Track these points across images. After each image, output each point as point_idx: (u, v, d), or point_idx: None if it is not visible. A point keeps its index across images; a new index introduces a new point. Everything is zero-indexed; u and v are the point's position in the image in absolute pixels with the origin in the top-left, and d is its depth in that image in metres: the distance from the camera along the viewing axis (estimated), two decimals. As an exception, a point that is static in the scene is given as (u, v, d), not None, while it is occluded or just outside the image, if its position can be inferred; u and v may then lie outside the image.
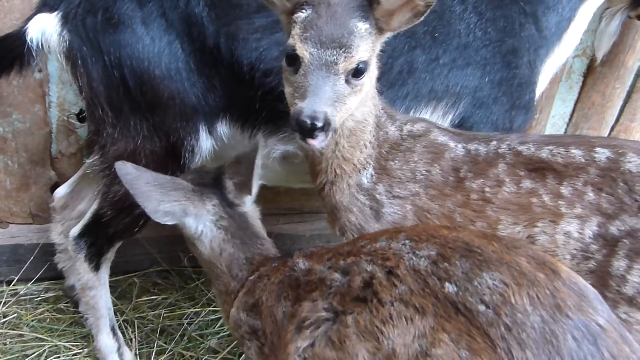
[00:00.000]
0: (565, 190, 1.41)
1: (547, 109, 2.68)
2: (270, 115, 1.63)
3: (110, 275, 2.50)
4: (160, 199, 1.41)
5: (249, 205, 1.57)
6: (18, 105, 2.19)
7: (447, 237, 1.11)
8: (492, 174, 1.47)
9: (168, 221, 1.44)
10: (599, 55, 2.26)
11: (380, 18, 1.33)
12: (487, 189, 1.46)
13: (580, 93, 2.70)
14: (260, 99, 1.52)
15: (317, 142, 1.26)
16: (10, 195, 2.40)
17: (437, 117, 1.84)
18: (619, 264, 1.36)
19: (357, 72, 1.30)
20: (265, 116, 1.56)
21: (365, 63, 1.31)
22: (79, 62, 1.66)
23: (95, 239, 1.94)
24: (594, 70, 2.63)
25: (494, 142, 1.51)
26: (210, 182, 1.54)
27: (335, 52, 1.25)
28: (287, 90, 1.34)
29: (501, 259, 1.03)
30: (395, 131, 1.55)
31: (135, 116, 1.68)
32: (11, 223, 2.47)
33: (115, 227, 1.90)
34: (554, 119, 2.75)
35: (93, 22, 1.61)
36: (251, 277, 1.47)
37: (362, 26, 1.29)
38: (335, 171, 1.55)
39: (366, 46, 1.30)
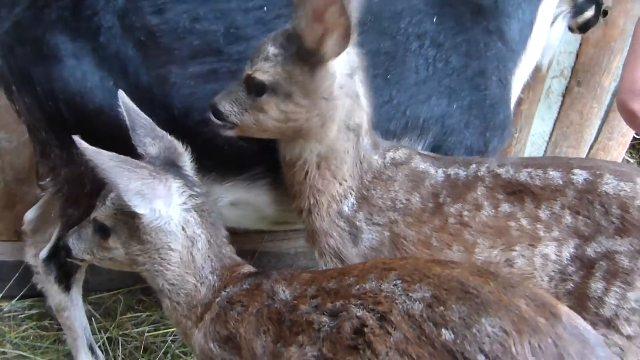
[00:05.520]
0: (543, 214, 1.42)
1: (527, 127, 2.73)
2: (213, 164, 1.58)
3: (95, 293, 2.54)
4: (128, 175, 1.20)
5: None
6: (5, 125, 2.21)
7: (440, 276, 1.04)
8: (471, 198, 1.48)
9: (138, 205, 1.22)
10: (544, 62, 2.23)
11: (312, 48, 1.33)
12: (465, 213, 1.47)
13: (559, 112, 2.75)
14: (201, 147, 1.46)
15: (218, 127, 1.47)
16: (-5, 213, 2.43)
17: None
18: (596, 286, 1.37)
19: (258, 90, 1.40)
20: (208, 164, 1.52)
21: (266, 86, 1.38)
22: (13, 88, 1.62)
23: (63, 261, 1.93)
24: (571, 91, 2.69)
25: (474, 166, 1.53)
26: (166, 162, 1.36)
27: (246, 64, 1.42)
28: None
29: (499, 301, 0.97)
30: (378, 159, 1.56)
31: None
32: (-4, 240, 2.49)
33: None
34: (534, 138, 2.80)
35: (23, 52, 1.57)
36: (218, 299, 1.32)
37: (272, 50, 1.37)
38: (311, 199, 1.56)
39: (270, 69, 1.37)
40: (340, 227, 1.55)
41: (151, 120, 1.41)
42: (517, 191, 1.45)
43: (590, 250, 1.38)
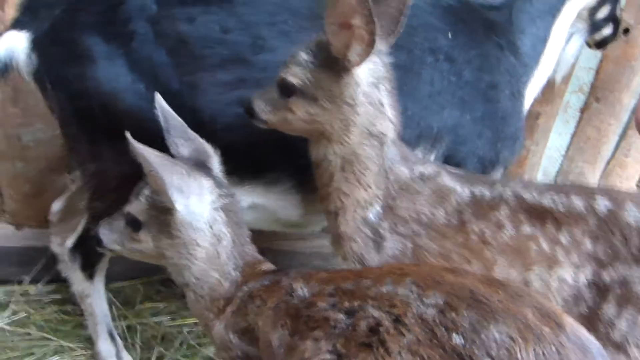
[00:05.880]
0: (563, 238, 1.45)
1: (543, 141, 2.76)
2: (234, 167, 1.63)
3: (116, 281, 2.63)
4: (171, 171, 1.29)
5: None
6: (42, 116, 2.31)
7: (453, 284, 1.10)
8: (494, 217, 1.51)
9: (177, 200, 1.30)
10: (558, 78, 2.26)
11: (338, 55, 1.41)
12: (487, 232, 1.50)
13: (576, 127, 2.78)
14: (223, 151, 1.52)
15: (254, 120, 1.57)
16: (27, 200, 2.54)
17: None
18: (609, 310, 1.41)
19: (288, 91, 1.49)
20: (229, 168, 1.57)
21: (296, 88, 1.48)
22: (48, 85, 1.69)
23: (88, 250, 2.02)
24: (590, 106, 2.72)
25: (499, 187, 1.56)
26: (197, 163, 1.44)
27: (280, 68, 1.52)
28: None
29: (507, 309, 1.03)
30: (405, 171, 1.59)
31: (104, 140, 1.69)
32: (26, 226, 2.60)
33: None
34: (550, 151, 2.83)
35: (59, 52, 1.64)
36: (239, 294, 1.40)
37: (304, 56, 1.47)
38: (337, 202, 1.61)
39: (300, 73, 1.47)
40: (364, 233, 1.59)
41: (184, 123, 1.49)
42: (539, 214, 1.48)
43: (607, 276, 1.42)
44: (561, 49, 2.10)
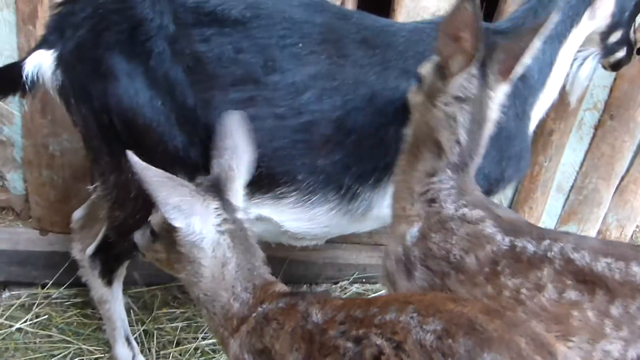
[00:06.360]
0: (615, 310, 1.32)
1: (557, 157, 2.77)
2: (250, 177, 1.64)
3: (135, 287, 2.72)
4: (170, 191, 1.32)
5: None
6: (68, 127, 2.39)
7: (452, 312, 1.15)
8: (534, 277, 1.39)
9: (175, 218, 1.32)
10: (572, 99, 2.27)
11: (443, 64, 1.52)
12: (523, 290, 1.40)
13: (590, 144, 2.79)
14: None
15: None
16: (52, 207, 2.64)
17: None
18: None
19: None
20: None
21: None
22: (72, 100, 1.76)
23: (107, 257, 2.12)
24: (604, 124, 2.73)
25: (546, 242, 1.42)
26: (209, 185, 1.46)
27: None
28: None
29: (502, 338, 1.07)
30: (450, 209, 1.55)
31: (124, 152, 1.72)
32: (51, 232, 2.70)
33: (119, 249, 2.06)
34: (564, 167, 2.84)
35: (83, 69, 1.71)
36: (254, 314, 1.40)
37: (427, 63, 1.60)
38: (394, 212, 1.65)
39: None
40: (398, 253, 1.58)
41: (245, 141, 1.54)
42: (589, 281, 1.34)
43: None
44: (574, 72, 2.14)
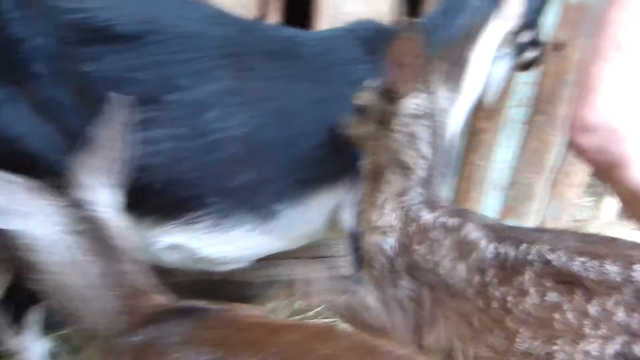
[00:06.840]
0: (592, 309, 1.31)
1: (489, 155, 2.77)
2: (156, 204, 1.58)
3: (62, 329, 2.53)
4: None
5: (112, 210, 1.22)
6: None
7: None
8: (517, 282, 1.38)
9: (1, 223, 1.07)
10: (487, 99, 2.25)
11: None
12: (509, 298, 1.38)
13: (521, 140, 2.80)
14: (138, 191, 1.47)
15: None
16: None
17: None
18: None
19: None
20: (151, 205, 1.52)
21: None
22: None
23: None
24: (532, 119, 2.74)
25: (524, 246, 1.41)
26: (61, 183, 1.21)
27: None
28: None
29: None
30: (427, 216, 1.52)
31: None
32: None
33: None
34: (498, 164, 2.84)
35: None
36: (135, 338, 1.11)
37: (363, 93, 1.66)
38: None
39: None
40: (380, 262, 1.54)
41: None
42: (567, 282, 1.34)
43: (638, 349, 1.28)
44: (489, 72, 2.12)
